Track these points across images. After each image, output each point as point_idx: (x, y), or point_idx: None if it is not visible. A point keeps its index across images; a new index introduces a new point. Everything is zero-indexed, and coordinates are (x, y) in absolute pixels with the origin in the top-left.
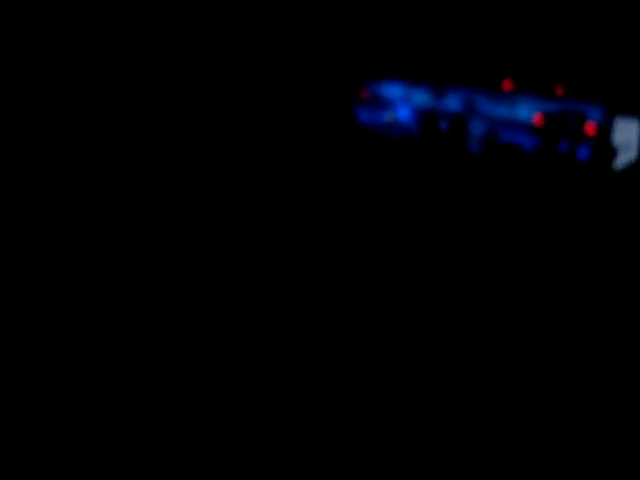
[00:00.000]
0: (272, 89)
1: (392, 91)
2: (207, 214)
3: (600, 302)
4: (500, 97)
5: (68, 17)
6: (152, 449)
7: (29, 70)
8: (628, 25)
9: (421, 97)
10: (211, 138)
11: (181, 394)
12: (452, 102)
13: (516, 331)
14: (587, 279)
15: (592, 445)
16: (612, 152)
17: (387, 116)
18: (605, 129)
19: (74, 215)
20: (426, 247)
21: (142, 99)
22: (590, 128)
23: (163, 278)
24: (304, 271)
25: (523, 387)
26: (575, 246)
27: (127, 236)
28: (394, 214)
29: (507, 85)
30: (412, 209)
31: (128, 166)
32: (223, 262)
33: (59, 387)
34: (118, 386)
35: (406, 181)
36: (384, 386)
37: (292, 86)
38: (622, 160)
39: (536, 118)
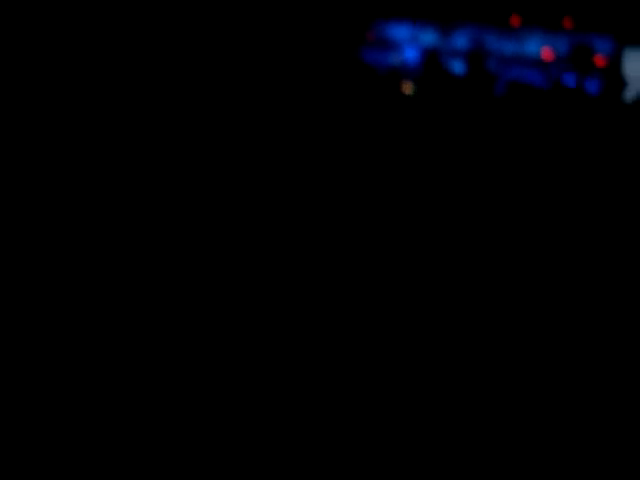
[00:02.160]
0: (276, 33)
1: (399, 32)
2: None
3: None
4: (508, 33)
5: (68, 17)
6: (151, 449)
7: (28, 70)
8: None
9: (429, 38)
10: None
11: (180, 394)
12: (460, 41)
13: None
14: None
15: (592, 445)
16: (622, 84)
17: (393, 57)
18: (615, 61)
19: (73, 215)
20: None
21: (135, 89)
22: (599, 60)
23: (162, 277)
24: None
25: (523, 387)
26: (585, 183)
27: (126, 236)
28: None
29: (515, 20)
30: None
31: (127, 165)
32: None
33: (58, 387)
34: (117, 386)
35: (416, 121)
36: (383, 386)
37: (298, 27)
38: (633, 92)
39: (544, 52)
